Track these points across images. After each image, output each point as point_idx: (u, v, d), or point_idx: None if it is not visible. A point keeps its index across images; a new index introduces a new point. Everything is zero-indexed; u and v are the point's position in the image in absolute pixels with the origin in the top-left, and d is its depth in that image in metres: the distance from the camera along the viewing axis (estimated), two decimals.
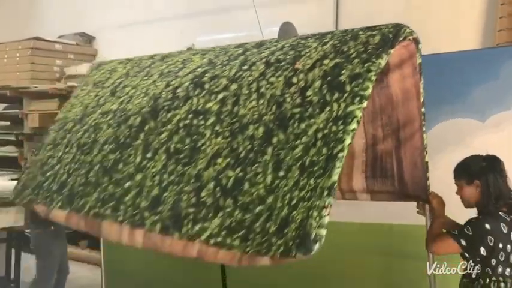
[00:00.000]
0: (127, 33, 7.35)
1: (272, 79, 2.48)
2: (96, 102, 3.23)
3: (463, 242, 2.28)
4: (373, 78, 2.16)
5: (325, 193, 1.95)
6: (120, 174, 2.69)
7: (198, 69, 2.86)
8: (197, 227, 2.29)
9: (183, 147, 2.55)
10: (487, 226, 2.27)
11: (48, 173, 3.05)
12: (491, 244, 2.25)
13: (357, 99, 2.13)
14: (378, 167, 2.77)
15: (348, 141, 2.06)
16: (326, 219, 1.90)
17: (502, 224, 2.28)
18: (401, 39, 2.26)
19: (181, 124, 2.63)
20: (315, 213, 1.94)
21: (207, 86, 2.66)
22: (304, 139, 2.21)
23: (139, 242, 2.45)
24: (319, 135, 2.17)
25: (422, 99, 2.52)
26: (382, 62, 2.18)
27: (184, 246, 2.29)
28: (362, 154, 2.82)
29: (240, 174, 2.32)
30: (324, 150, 2.11)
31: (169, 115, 2.70)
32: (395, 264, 3.37)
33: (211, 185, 2.36)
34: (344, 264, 3.49)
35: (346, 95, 2.18)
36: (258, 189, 2.23)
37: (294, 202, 2.08)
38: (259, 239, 2.11)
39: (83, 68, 7.29)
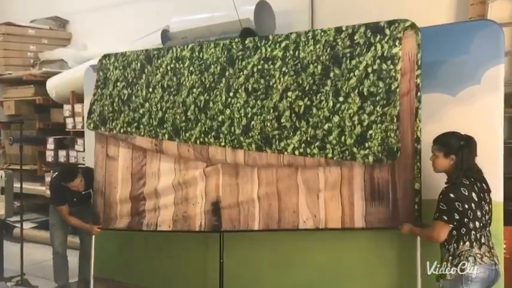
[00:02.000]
0: (102, 15, 7.22)
1: (325, 28, 3.23)
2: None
3: (445, 218, 2.70)
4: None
5: (395, 119, 2.95)
6: (212, 111, 3.56)
7: None
8: (282, 144, 3.28)
9: (259, 86, 3.37)
10: (452, 195, 2.69)
11: (141, 111, 3.86)
12: (460, 208, 2.67)
13: (397, 41, 2.97)
14: (376, 191, 3.16)
15: (399, 78, 2.95)
16: (399, 137, 2.96)
17: (462, 188, 2.69)
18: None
19: (255, 69, 3.42)
20: (392, 134, 2.96)
21: (270, 37, 3.44)
22: (356, 72, 3.04)
23: (241, 159, 3.45)
24: (370, 69, 3.00)
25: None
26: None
27: (277, 158, 3.31)
28: (362, 181, 3.18)
29: (308, 102, 3.20)
30: (381, 84, 2.98)
31: (243, 63, 3.47)
32: None
33: (287, 113, 3.27)
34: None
35: (387, 37, 2.99)
36: (323, 112, 3.14)
37: (365, 123, 3.01)
38: (338, 149, 3.11)
39: (57, 53, 7.17)
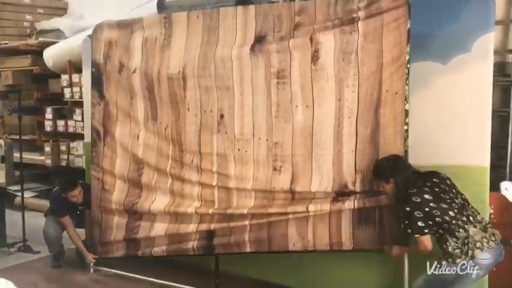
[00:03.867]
0: None
1: None
2: None
3: (410, 230, 2.80)
4: None
5: None
6: None
7: None
8: None
9: None
10: (407, 208, 2.80)
11: None
12: (421, 215, 2.75)
13: None
14: (363, 214, 3.27)
15: None
16: None
17: (413, 198, 2.79)
18: None
19: None
20: None
21: None
22: None
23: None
24: None
25: None
26: None
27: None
28: (350, 204, 3.28)
29: None
30: None
31: None
32: None
33: None
34: None
35: None
36: None
37: None
38: None
39: (54, 23, 7.14)
